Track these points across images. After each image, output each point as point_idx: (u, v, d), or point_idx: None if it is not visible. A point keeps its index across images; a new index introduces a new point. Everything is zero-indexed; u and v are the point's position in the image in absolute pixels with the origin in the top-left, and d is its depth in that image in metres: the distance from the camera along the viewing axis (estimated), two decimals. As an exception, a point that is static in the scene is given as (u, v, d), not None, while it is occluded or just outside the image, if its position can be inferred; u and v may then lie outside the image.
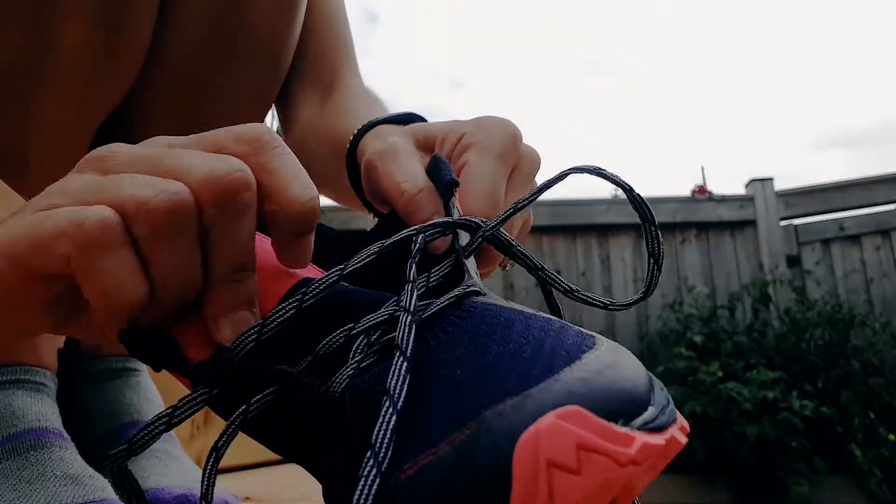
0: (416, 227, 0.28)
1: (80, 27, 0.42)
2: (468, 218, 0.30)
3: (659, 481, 2.61)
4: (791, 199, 3.39)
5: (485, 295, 0.26)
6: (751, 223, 3.37)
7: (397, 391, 0.21)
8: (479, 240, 0.29)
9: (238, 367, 0.25)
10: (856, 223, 3.31)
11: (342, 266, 0.26)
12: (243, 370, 0.25)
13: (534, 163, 0.38)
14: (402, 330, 0.23)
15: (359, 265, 0.26)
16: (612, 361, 0.20)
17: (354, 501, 0.19)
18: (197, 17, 0.48)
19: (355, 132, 0.44)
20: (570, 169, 0.29)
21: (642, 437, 0.18)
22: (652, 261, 0.29)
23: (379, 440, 0.20)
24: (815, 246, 3.32)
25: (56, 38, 0.41)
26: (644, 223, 0.29)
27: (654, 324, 3.23)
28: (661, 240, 0.29)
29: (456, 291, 0.26)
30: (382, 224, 0.35)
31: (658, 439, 0.18)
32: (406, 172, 0.34)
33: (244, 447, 1.06)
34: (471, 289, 0.26)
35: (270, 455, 1.16)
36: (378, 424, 0.21)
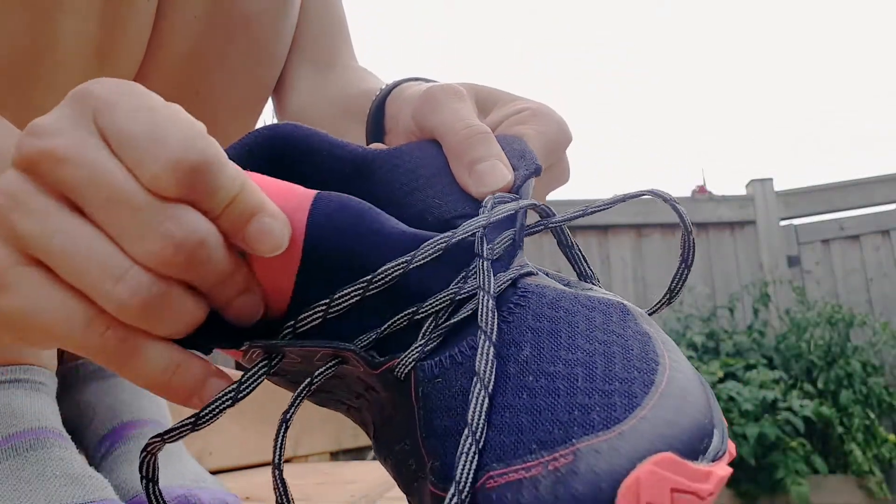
0: (513, 204, 0.29)
1: (80, 21, 0.42)
2: (546, 206, 0.32)
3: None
4: (791, 199, 3.39)
5: (536, 275, 0.28)
6: (751, 223, 3.37)
7: (487, 374, 0.23)
8: (543, 227, 0.32)
9: (301, 342, 0.26)
10: (856, 223, 3.31)
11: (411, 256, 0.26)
12: (306, 346, 0.25)
13: (563, 176, 0.39)
14: (484, 312, 0.25)
15: (466, 235, 0.27)
16: (684, 387, 0.22)
17: (457, 476, 0.22)
18: (193, 12, 0.48)
19: (384, 86, 0.44)
20: (647, 191, 0.31)
21: (716, 470, 0.20)
22: (668, 295, 0.31)
23: (475, 420, 0.23)
24: (815, 246, 3.31)
25: (56, 32, 0.41)
26: (682, 264, 0.31)
27: (654, 324, 3.22)
28: (685, 282, 0.31)
29: (512, 274, 0.27)
30: (408, 147, 0.35)
31: (725, 469, 0.21)
32: (470, 114, 0.34)
33: (244, 447, 1.06)
34: (524, 270, 0.28)
35: (270, 455, 1.15)
36: (472, 405, 0.23)
